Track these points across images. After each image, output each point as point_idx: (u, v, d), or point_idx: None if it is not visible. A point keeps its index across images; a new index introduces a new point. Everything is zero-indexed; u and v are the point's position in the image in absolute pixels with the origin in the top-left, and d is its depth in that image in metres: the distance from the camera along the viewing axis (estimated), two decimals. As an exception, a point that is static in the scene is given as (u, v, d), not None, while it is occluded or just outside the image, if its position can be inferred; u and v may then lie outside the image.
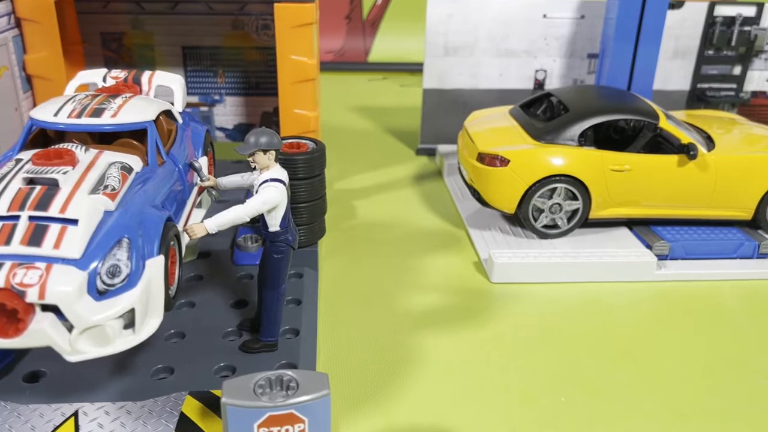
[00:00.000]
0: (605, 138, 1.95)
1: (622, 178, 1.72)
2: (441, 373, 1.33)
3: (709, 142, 1.81)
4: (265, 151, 1.11)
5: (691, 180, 1.73)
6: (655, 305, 1.58)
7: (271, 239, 1.16)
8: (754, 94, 2.53)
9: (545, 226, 1.75)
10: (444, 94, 2.41)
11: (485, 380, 1.32)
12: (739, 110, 2.55)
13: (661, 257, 1.71)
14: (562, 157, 1.70)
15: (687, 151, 1.70)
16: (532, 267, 1.63)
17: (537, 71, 2.42)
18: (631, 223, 1.82)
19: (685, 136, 1.73)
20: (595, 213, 1.76)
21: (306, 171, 1.46)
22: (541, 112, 1.92)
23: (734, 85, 2.51)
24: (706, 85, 2.49)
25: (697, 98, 2.50)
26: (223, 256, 1.55)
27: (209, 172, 1.51)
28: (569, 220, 1.76)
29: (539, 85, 2.43)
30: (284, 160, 1.45)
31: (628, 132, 1.95)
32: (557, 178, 1.69)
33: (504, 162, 1.71)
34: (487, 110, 2.05)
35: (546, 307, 1.56)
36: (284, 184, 1.13)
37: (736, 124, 2.01)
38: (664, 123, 1.74)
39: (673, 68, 2.46)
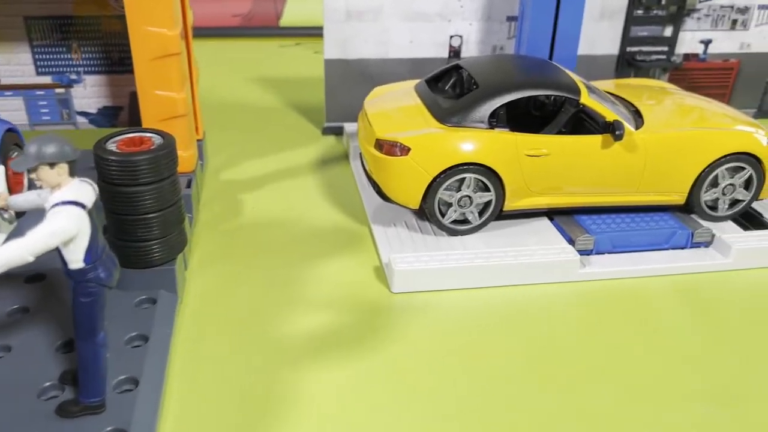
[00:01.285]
0: (523, 117, 1.73)
1: (539, 164, 1.50)
2: (325, 416, 1.09)
3: (638, 118, 1.61)
4: (52, 165, 0.84)
5: (618, 163, 1.52)
6: (580, 310, 1.38)
7: (75, 279, 0.89)
8: (687, 57, 2.34)
9: (455, 222, 1.52)
10: (348, 65, 2.14)
11: (380, 420, 1.09)
12: (671, 76, 2.36)
13: (585, 252, 1.52)
14: (470, 142, 1.46)
15: (612, 130, 1.49)
16: (437, 273, 1.40)
17: (452, 37, 2.16)
18: (552, 213, 1.62)
19: (610, 113, 1.52)
20: (510, 204, 1.54)
21: (151, 174, 1.18)
22: (450, 87, 1.67)
23: (665, 48, 2.31)
24: (635, 49, 2.28)
25: (626, 63, 2.30)
26: (62, 278, 1.27)
27: (16, 185, 1.20)
28: (481, 213, 1.53)
29: (455, 52, 2.18)
30: (121, 163, 1.17)
31: (550, 109, 1.73)
32: (465, 167, 1.46)
33: (404, 150, 1.46)
34: (391, 86, 1.79)
35: (455, 320, 1.33)
36: (82, 206, 0.85)
37: (667, 94, 1.81)
38: (585, 98, 1.52)
39: (600, 31, 2.24)
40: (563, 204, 1.57)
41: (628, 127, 1.52)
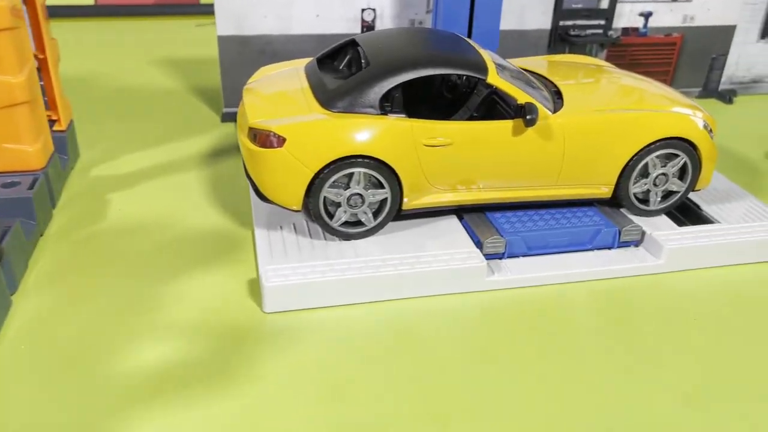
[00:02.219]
0: (433, 101, 1.52)
1: (440, 155, 1.29)
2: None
3: (559, 100, 1.41)
4: None
5: (533, 152, 1.31)
6: (485, 327, 1.17)
7: None
8: (626, 31, 2.15)
9: (346, 224, 1.30)
10: (246, 42, 1.90)
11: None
12: (610, 52, 2.18)
13: (495, 256, 1.32)
14: (358, 131, 1.23)
15: (523, 114, 1.28)
16: (317, 287, 1.18)
17: (364, 11, 1.93)
18: (463, 212, 1.42)
19: (522, 95, 1.31)
20: (410, 203, 1.32)
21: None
22: (344, 67, 1.45)
23: (602, 22, 2.12)
24: (569, 23, 2.09)
25: (560, 39, 2.10)
26: None
27: None
28: (376, 214, 1.32)
29: (368, 28, 1.95)
30: None
31: (462, 92, 1.52)
32: (352, 160, 1.24)
33: (279, 141, 1.24)
34: (279, 65, 1.55)
35: (334, 347, 1.12)
36: None
37: (599, 73, 1.61)
38: (494, 78, 1.31)
39: (529, 3, 2.04)
40: (473, 201, 1.36)
41: (544, 110, 1.31)
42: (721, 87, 2.32)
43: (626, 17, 2.11)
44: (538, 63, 1.64)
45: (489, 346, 1.13)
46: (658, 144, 1.34)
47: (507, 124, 1.29)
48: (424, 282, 1.22)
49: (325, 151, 1.22)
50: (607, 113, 1.34)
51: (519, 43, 2.05)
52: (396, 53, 1.31)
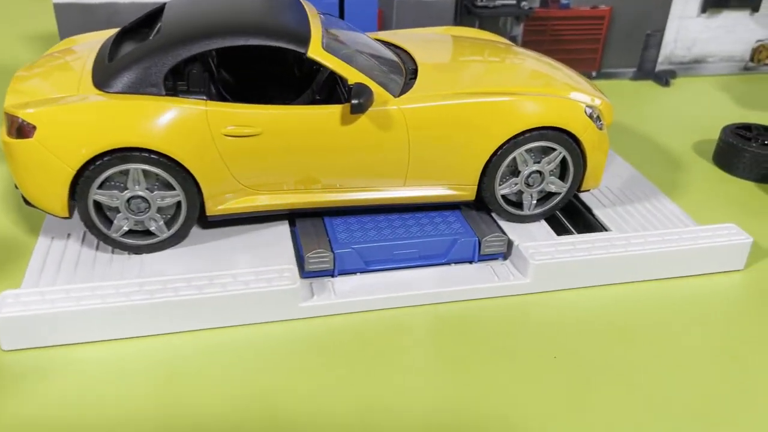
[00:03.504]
0: (271, 83, 1.27)
1: (248, 148, 1.02)
2: None
3: (413, 80, 1.14)
4: None
5: (370, 145, 1.06)
6: (291, 367, 0.92)
7: None
8: (545, 2, 1.88)
9: (134, 234, 1.05)
10: (89, 11, 1.62)
11: None
12: (528, 27, 1.92)
13: (324, 273, 1.08)
14: (132, 117, 0.97)
15: (349, 96, 1.03)
16: (67, 318, 0.92)
17: (230, -25, 1.67)
18: (297, 216, 1.15)
19: (353, 73, 1.05)
20: (216, 207, 1.06)
21: None
22: (143, 39, 1.19)
23: (516, -9, 1.86)
24: (477, -8, 1.83)
25: (466, 11, 1.85)
26: None
27: None
28: (169, 223, 1.08)
29: (236, -5, 1.69)
30: None
31: (308, 71, 1.26)
32: (127, 154, 0.98)
33: (29, 129, 0.97)
34: (88, 36, 1.28)
35: (80, 400, 0.86)
36: None
37: (487, 50, 1.34)
38: (316, 51, 1.05)
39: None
40: (302, 205, 1.10)
41: (384, 93, 1.05)
42: (659, 68, 2.07)
43: (545, -14, 1.85)
44: (412, 36, 1.38)
45: (280, 394, 0.88)
46: (527, 135, 1.09)
47: (333, 110, 1.03)
48: (217, 310, 0.97)
49: (86, 143, 0.95)
50: (462, 98, 1.08)
51: (419, 14, 1.78)
52: (192, 21, 1.05)
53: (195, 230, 1.12)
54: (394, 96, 1.06)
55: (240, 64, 1.29)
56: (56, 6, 1.59)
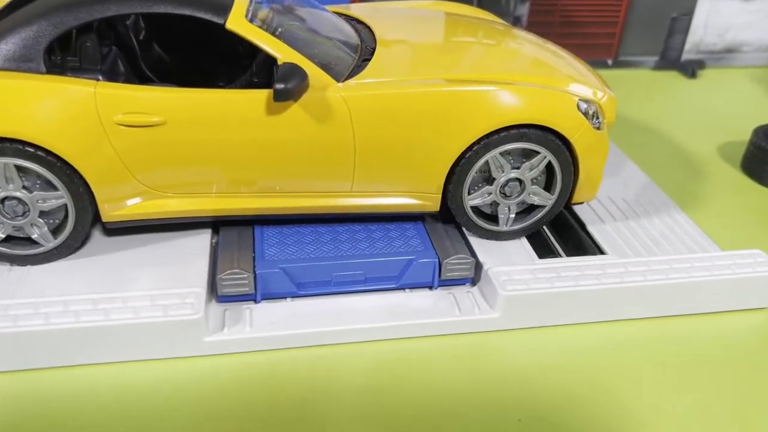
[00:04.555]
0: (213, 63, 1.07)
1: (148, 140, 0.82)
2: None
3: (365, 63, 0.92)
4: None
5: (304, 140, 0.85)
6: (188, 416, 0.73)
7: None
8: (554, -22, 1.67)
9: (11, 243, 0.85)
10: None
11: None
12: (534, 6, 1.69)
13: (243, 298, 0.89)
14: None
15: (273, 80, 0.83)
16: None
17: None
18: (224, 223, 0.94)
19: (285, 51, 0.84)
20: (113, 212, 0.86)
21: None
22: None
23: (521, -35, 1.63)
24: (476, -36, 1.61)
25: (463, -15, 1.62)
26: None
27: None
28: (56, 231, 0.86)
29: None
30: None
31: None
32: (-4, 145, 0.81)
33: None
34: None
35: None
36: None
37: (471, 29, 1.11)
38: (238, 22, 0.83)
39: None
40: (223, 212, 0.90)
41: (324, 76, 0.83)
42: (685, 56, 1.82)
43: (555, -41, 1.62)
44: (386, 11, 1.16)
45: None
46: (502, 135, 0.87)
47: (255, 96, 0.82)
48: (97, 343, 0.78)
49: (-65, 132, 0.78)
50: (421, 86, 0.86)
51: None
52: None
53: (98, 237, 0.93)
54: (337, 81, 0.86)
55: (178, 41, 1.10)
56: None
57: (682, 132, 1.49)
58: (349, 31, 1.00)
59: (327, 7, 1.13)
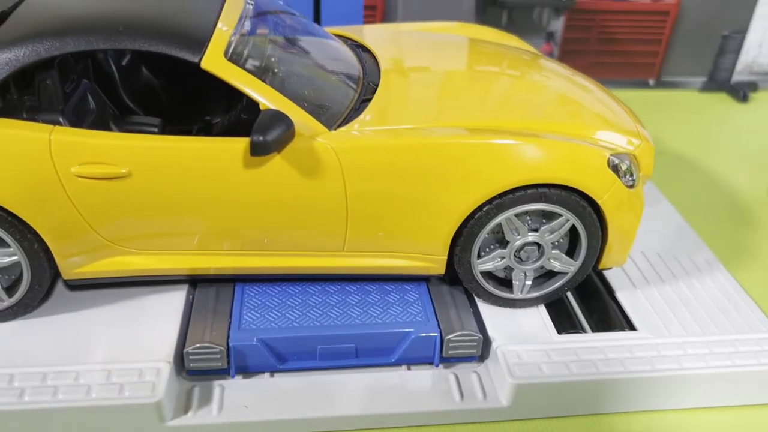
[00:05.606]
0: (180, 92, 0.97)
1: (113, 194, 0.72)
2: None
3: (365, 104, 0.81)
4: None
5: (290, 195, 0.74)
6: None
7: None
8: (593, -8, 1.53)
9: (-36, 299, 0.80)
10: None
11: None
12: (569, 22, 1.54)
13: (214, 372, 0.77)
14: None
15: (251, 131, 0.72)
16: None
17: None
18: (200, 281, 0.84)
19: (269, 95, 0.72)
20: (74, 269, 0.76)
21: None
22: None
23: (557, -23, 1.49)
24: (507, -24, 1.48)
25: (491, 0, 1.49)
26: None
27: None
28: (11, 289, 0.77)
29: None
30: None
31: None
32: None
33: None
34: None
35: None
36: None
37: (507, 65, 0.98)
38: (214, 61, 0.71)
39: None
40: (195, 271, 0.80)
41: (313, 123, 0.72)
42: (736, 78, 1.67)
43: (595, -29, 1.48)
44: (396, 36, 1.04)
45: None
46: (517, 195, 0.75)
47: (231, 146, 0.71)
48: (42, 427, 0.69)
49: None
50: (423, 136, 0.75)
51: (440, 2, 1.45)
52: (45, 12, 0.75)
53: (61, 290, 0.83)
54: (329, 128, 0.75)
55: (168, 62, 1.00)
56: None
57: (729, 166, 1.33)
58: (351, 62, 0.89)
59: (335, 29, 1.03)
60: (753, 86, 1.66)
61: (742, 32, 1.60)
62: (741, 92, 1.63)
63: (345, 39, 1.00)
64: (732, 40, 1.61)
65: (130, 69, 0.97)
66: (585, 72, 1.54)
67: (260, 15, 0.86)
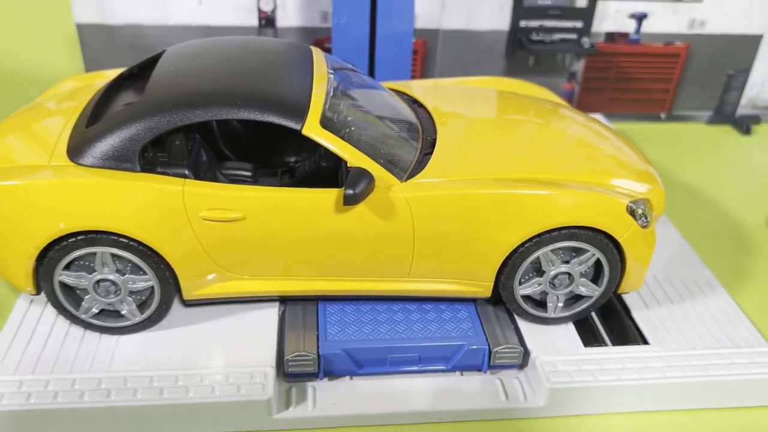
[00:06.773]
0: (267, 151, 1.15)
1: (229, 233, 0.90)
2: None
3: (428, 157, 0.99)
4: None
5: (368, 235, 0.92)
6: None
7: None
8: (611, 37, 1.69)
9: (102, 315, 0.95)
10: (113, 33, 1.55)
11: None
12: (589, 65, 1.71)
13: (304, 375, 0.96)
14: (96, 196, 0.86)
15: (344, 185, 0.89)
16: (22, 420, 0.86)
17: (261, -1, 1.55)
18: (289, 300, 1.01)
19: (354, 155, 0.91)
20: (194, 291, 0.95)
21: None
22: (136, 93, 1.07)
23: (578, 24, 1.66)
24: (534, 24, 1.65)
25: (519, 45, 1.67)
26: None
27: None
28: (143, 306, 0.96)
29: (267, 21, 1.57)
30: None
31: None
32: (93, 237, 0.88)
33: (-8, 203, 0.90)
34: (93, 75, 1.20)
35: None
36: None
37: (535, 116, 1.15)
38: (313, 128, 0.91)
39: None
40: (290, 292, 0.99)
41: (389, 177, 0.90)
42: (740, 111, 1.83)
43: (612, 18, 1.65)
44: (445, 93, 1.22)
45: None
46: (554, 234, 0.93)
47: (325, 196, 0.90)
48: (180, 418, 0.88)
49: (47, 226, 0.86)
50: (479, 187, 0.92)
51: (467, 47, 1.62)
52: (176, 85, 0.93)
53: (175, 308, 1.01)
54: (400, 180, 0.93)
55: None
56: (79, 27, 1.52)
57: (732, 195, 1.49)
58: (411, 119, 1.06)
59: (389, 84, 1.20)
60: (756, 119, 1.82)
61: (746, 71, 1.76)
62: (744, 125, 1.80)
63: (400, 93, 1.18)
64: (737, 78, 1.77)
65: (224, 122, 1.15)
66: (603, 107, 1.74)
67: (342, 80, 1.03)
